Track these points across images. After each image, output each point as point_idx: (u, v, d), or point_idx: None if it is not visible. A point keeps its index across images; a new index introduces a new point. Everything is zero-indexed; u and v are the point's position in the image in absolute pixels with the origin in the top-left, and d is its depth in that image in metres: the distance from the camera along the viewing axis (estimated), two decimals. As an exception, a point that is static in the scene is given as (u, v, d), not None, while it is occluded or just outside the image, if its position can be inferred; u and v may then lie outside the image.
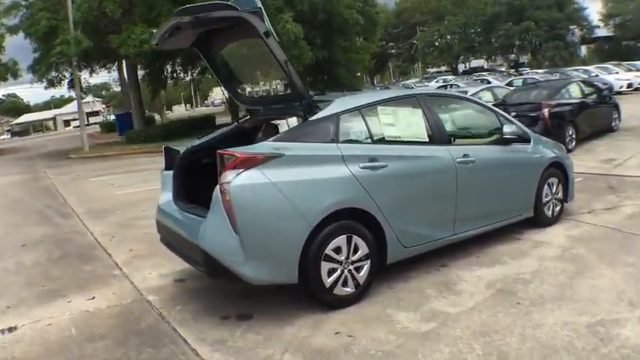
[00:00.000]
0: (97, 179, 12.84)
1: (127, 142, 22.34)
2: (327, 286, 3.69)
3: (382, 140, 4.21)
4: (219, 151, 3.59)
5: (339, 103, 4.15)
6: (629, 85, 21.07)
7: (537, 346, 3.09)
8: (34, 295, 4.73)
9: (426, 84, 33.97)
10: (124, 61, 25.35)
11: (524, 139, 5.24)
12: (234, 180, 3.47)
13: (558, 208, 5.62)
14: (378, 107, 4.31)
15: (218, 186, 3.52)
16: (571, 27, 48.58)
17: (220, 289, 4.37)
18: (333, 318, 3.66)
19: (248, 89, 5.38)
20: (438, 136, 4.49)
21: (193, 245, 3.68)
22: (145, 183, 11.16)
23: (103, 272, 5.20)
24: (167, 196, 4.53)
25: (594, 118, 11.21)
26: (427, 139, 4.44)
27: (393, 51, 48.02)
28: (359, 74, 28.40)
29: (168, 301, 4.29)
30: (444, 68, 60.29)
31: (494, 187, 4.87)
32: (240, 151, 3.58)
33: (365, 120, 4.17)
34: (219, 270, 3.58)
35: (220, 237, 3.51)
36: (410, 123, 4.45)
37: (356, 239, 3.79)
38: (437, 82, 33.58)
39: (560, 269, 4.27)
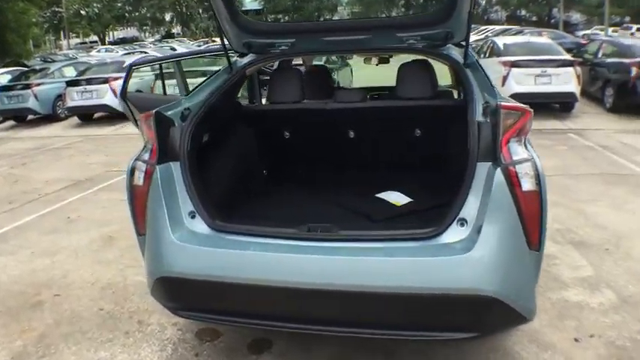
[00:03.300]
0: None
1: None
2: None
3: None
4: (502, 103, 2.15)
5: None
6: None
7: None
8: None
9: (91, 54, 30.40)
10: None
11: None
12: (533, 155, 2.13)
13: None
14: None
15: (498, 172, 2.08)
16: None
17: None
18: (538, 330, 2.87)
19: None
20: None
21: (409, 298, 2.05)
22: None
23: None
24: (179, 219, 2.36)
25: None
26: None
27: (34, 19, 40.80)
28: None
29: None
30: (88, 39, 55.08)
31: None
32: (522, 105, 2.22)
33: None
34: (496, 321, 2.19)
35: (512, 262, 2.08)
36: None
37: None
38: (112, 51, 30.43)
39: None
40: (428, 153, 3.33)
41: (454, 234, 2.09)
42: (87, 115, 12.48)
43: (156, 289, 2.42)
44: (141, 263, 3.74)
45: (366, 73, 8.32)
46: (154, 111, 2.44)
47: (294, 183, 3.43)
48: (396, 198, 3.00)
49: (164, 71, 5.37)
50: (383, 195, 3.04)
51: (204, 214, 2.36)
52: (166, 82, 5.37)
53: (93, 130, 11.38)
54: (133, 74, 4.65)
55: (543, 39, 13.52)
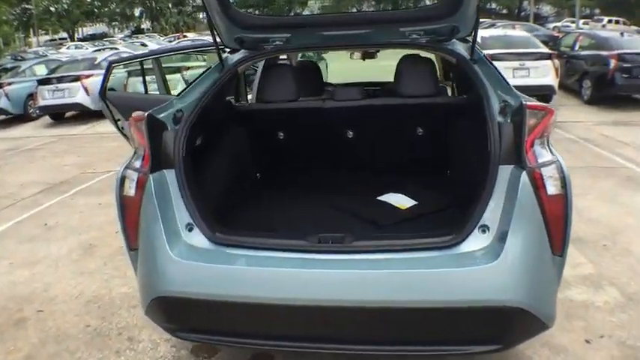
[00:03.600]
0: None
1: None
2: None
3: None
4: (528, 103, 2.01)
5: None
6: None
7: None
8: None
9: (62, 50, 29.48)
10: None
11: None
12: (558, 156, 2.02)
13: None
14: None
15: (524, 176, 1.96)
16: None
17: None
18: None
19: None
20: None
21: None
22: None
23: None
24: (176, 232, 2.16)
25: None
26: None
27: (5, 17, 39.54)
28: None
29: None
30: (57, 36, 53.61)
31: None
32: (545, 104, 2.11)
33: None
34: (519, 332, 2.06)
35: (538, 270, 1.98)
36: None
37: None
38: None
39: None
40: (430, 153, 3.23)
41: (476, 241, 1.97)
42: (59, 114, 12.04)
43: (152, 309, 2.22)
44: (125, 273, 3.61)
45: (343, 67, 8.11)
46: (145, 114, 2.25)
47: (291, 186, 3.26)
48: (399, 200, 2.89)
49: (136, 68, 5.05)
50: (385, 197, 2.92)
51: (204, 226, 2.18)
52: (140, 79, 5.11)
53: (65, 129, 10.99)
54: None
55: (520, 32, 13.60)
